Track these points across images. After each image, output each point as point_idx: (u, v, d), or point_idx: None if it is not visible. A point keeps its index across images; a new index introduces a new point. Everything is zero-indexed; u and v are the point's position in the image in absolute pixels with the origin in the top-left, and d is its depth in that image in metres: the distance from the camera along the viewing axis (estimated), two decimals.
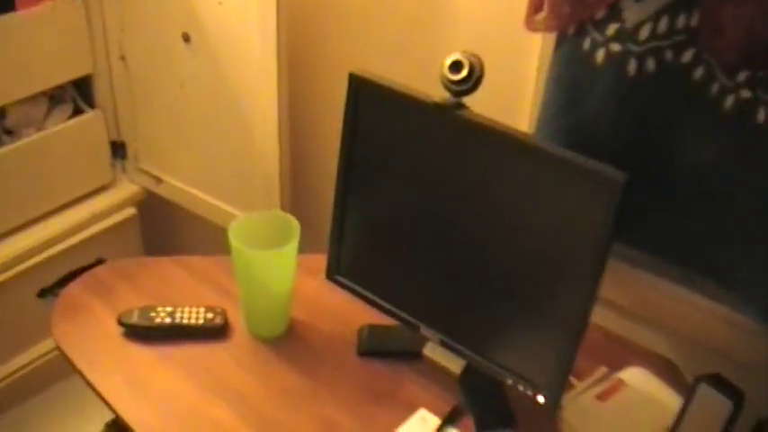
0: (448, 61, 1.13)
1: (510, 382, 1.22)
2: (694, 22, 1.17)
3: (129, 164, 2.16)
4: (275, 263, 1.32)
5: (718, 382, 1.10)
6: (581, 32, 1.23)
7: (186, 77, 1.84)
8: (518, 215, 1.13)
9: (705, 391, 1.11)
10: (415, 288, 1.30)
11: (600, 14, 1.20)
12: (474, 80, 1.12)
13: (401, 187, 1.24)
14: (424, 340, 1.32)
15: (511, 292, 1.17)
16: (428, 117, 1.17)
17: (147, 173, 2.13)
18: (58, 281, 2.09)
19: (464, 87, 1.13)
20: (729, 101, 1.19)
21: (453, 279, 1.23)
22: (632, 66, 1.21)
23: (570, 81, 1.27)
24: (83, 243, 2.10)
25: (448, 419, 1.25)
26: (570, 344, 1.12)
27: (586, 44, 1.23)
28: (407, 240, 1.27)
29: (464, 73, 1.12)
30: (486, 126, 1.12)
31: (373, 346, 1.37)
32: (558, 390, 1.16)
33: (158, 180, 2.10)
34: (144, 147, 2.10)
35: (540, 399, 1.19)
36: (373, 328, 1.39)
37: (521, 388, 1.21)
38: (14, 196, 1.95)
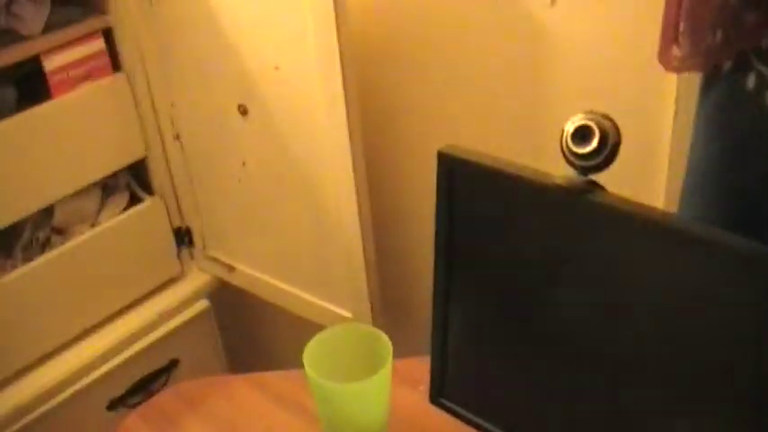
0: (570, 128, 0.84)
1: None
2: None
3: (196, 251, 1.92)
4: (363, 395, 1.04)
5: None
6: (741, 67, 0.92)
7: (247, 154, 1.60)
8: (678, 322, 0.82)
9: None
10: (542, 412, 0.99)
11: (766, 41, 0.89)
12: (608, 152, 0.83)
13: (516, 286, 0.95)
14: None
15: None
16: (548, 201, 0.88)
17: (217, 260, 1.89)
18: (129, 389, 1.87)
19: (595, 162, 0.84)
20: None
21: (594, 402, 0.92)
22: None
23: (729, 133, 0.95)
24: (154, 344, 1.88)
25: None
26: None
27: (750, 82, 0.92)
28: (529, 352, 0.98)
29: (594, 144, 0.82)
30: (632, 213, 0.82)
31: None
32: None
33: (230, 268, 1.86)
34: (211, 232, 1.87)
35: None
36: None
37: None
38: (73, 300, 1.74)
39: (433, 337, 1.08)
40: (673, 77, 1.08)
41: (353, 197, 1.41)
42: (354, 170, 1.38)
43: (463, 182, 0.94)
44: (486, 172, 0.92)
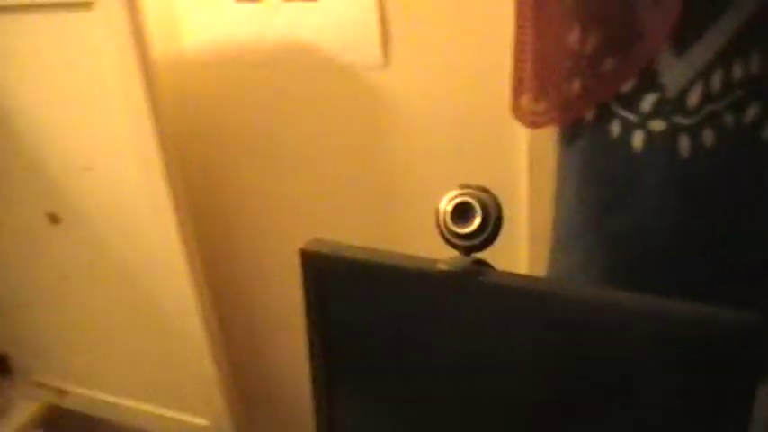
0: (448, 207, 0.76)
1: None
2: (755, 68, 0.84)
3: (18, 379, 1.70)
4: None
5: None
6: (604, 115, 0.87)
7: (66, 266, 1.42)
8: (610, 396, 0.76)
9: None
10: None
11: (628, 86, 0.85)
12: (492, 228, 0.75)
13: (402, 377, 0.86)
14: None
15: None
16: (434, 289, 0.79)
17: (45, 385, 1.67)
18: None
19: (479, 240, 0.76)
20: None
21: None
22: (684, 144, 0.86)
23: (601, 182, 0.91)
24: None
25: None
26: None
27: (615, 129, 0.88)
28: None
29: (477, 221, 0.75)
30: (530, 291, 0.75)
31: None
32: None
33: (62, 392, 1.65)
34: (35, 356, 1.65)
35: None
36: None
37: None
38: None
39: None
40: (522, 132, 1.03)
41: (194, 297, 1.28)
42: (190, 269, 1.24)
43: (332, 279, 0.84)
44: (356, 266, 0.82)
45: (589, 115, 0.88)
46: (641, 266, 0.83)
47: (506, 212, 0.94)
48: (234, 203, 1.32)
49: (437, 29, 1.04)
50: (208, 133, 1.25)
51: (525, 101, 0.92)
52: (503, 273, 0.77)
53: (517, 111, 0.93)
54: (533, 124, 0.91)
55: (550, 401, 0.78)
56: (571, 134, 0.91)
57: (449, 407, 0.84)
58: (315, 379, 0.92)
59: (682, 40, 0.82)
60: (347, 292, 0.84)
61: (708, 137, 0.87)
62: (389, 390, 0.89)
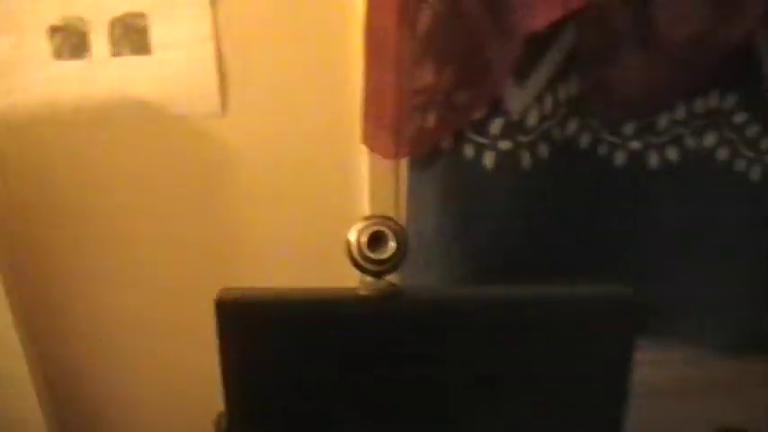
0: (363, 237, 0.84)
1: None
2: (573, 90, 1.01)
3: None
4: None
5: None
6: (458, 140, 1.00)
7: None
8: (522, 378, 0.88)
9: None
10: None
11: (479, 114, 0.98)
12: (403, 252, 0.84)
13: (334, 410, 0.91)
14: None
15: None
16: (357, 314, 0.87)
17: None
18: None
19: (390, 266, 0.85)
20: (620, 157, 1.07)
21: None
22: (526, 158, 1.02)
23: (459, 197, 1.04)
24: None
25: None
26: None
27: (469, 152, 1.01)
28: None
29: (393, 247, 0.83)
30: (446, 298, 0.85)
31: None
32: None
33: None
34: None
35: None
36: None
37: None
38: None
39: None
40: (363, 168, 1.11)
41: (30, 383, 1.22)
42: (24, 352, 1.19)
43: (251, 325, 0.88)
44: (279, 306, 0.87)
45: (445, 142, 1.00)
46: (502, 265, 0.96)
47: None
48: (63, 280, 1.24)
49: (275, 75, 1.10)
50: (32, 205, 1.17)
51: (383, 135, 1.02)
52: (418, 288, 0.87)
53: (375, 145, 1.03)
54: (395, 154, 1.01)
55: (475, 395, 0.88)
56: (427, 161, 1.02)
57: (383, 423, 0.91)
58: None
59: (520, 72, 0.96)
60: (268, 335, 0.88)
61: (543, 150, 1.03)
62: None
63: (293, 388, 0.90)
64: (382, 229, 0.84)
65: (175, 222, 1.17)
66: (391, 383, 0.88)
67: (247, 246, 1.17)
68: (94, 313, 1.23)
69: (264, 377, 0.90)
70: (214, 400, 0.90)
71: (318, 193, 1.14)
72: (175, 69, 1.09)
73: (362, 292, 0.86)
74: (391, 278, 0.85)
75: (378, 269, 0.85)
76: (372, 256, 0.84)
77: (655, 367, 1.32)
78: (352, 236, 0.85)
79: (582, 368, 0.89)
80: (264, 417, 0.92)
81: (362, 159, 1.09)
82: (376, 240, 0.84)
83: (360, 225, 0.85)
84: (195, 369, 1.05)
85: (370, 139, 1.03)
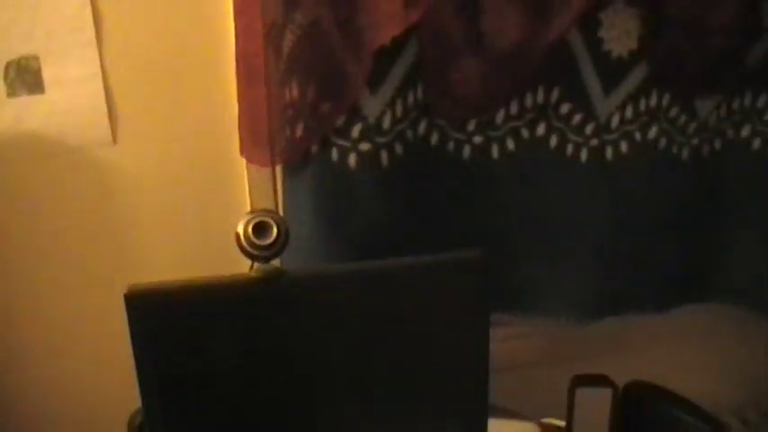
0: (249, 227, 0.98)
1: None
2: (420, 95, 1.19)
3: None
4: None
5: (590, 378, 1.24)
6: (325, 146, 1.16)
7: None
8: (393, 345, 1.03)
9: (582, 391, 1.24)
10: None
11: (340, 121, 1.14)
12: (284, 237, 0.99)
13: (242, 389, 1.04)
14: None
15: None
16: (249, 294, 1.00)
17: None
18: None
19: (275, 250, 0.99)
20: (467, 151, 1.25)
21: None
22: (384, 157, 1.18)
23: (330, 197, 1.18)
24: None
25: None
26: None
27: (335, 155, 1.16)
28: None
29: (275, 233, 0.98)
30: (326, 275, 1.00)
31: None
32: None
33: None
34: None
35: None
36: None
37: None
38: None
39: None
40: (244, 178, 1.25)
41: None
42: None
43: (158, 314, 0.98)
44: (181, 293, 0.99)
45: (314, 149, 1.15)
46: (372, 255, 1.09)
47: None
48: None
49: (158, 104, 1.23)
50: None
51: (258, 148, 1.17)
52: (298, 269, 1.01)
53: (253, 157, 1.17)
54: (270, 163, 1.16)
55: (350, 358, 1.03)
56: (300, 166, 1.17)
57: (286, 400, 1.04)
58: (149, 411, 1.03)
59: (373, 82, 1.13)
60: (174, 322, 1.00)
61: (399, 149, 1.19)
62: (226, 404, 1.05)
63: (200, 370, 1.02)
64: (265, 218, 0.99)
65: (73, 239, 1.27)
66: (281, 353, 1.02)
67: (143, 257, 1.29)
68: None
69: (174, 362, 1.01)
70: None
71: (203, 204, 1.27)
72: (68, 105, 1.21)
73: (252, 274, 1.00)
74: None
75: (264, 254, 0.99)
76: (258, 242, 0.98)
77: (519, 339, 1.51)
78: (240, 228, 0.99)
79: (444, 329, 1.05)
80: (178, 402, 1.03)
81: (242, 171, 1.24)
82: (260, 228, 0.98)
83: (246, 218, 0.99)
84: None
85: (247, 152, 1.17)
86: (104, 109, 1.22)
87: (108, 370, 1.27)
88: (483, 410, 1.09)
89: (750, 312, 1.52)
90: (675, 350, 1.66)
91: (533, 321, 1.46)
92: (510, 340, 1.53)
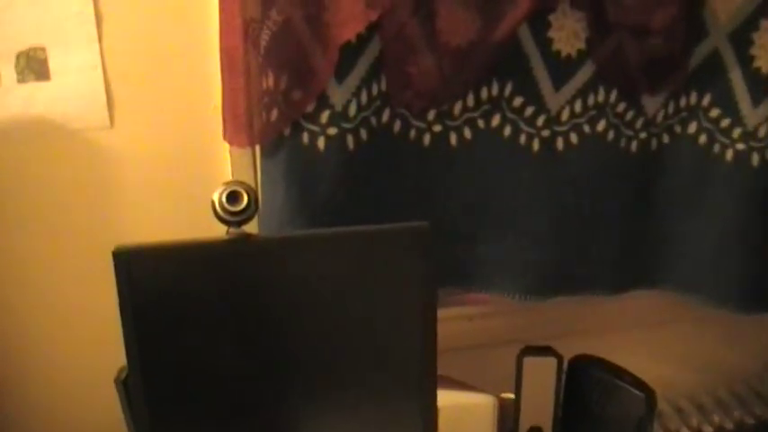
0: (223, 195, 1.11)
1: None
2: (384, 86, 1.32)
3: None
4: None
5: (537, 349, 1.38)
6: (296, 130, 1.29)
7: None
8: (348, 307, 1.16)
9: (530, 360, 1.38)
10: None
11: (310, 108, 1.27)
12: (254, 204, 1.12)
13: (215, 341, 1.17)
14: None
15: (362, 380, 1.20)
16: (219, 257, 1.14)
17: None
18: None
19: (246, 216, 1.13)
20: (427, 138, 1.38)
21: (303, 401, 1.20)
22: (350, 141, 1.31)
23: (300, 176, 1.31)
24: None
25: None
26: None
27: (305, 138, 1.29)
28: (237, 390, 1.19)
29: (245, 201, 1.11)
30: (287, 239, 1.14)
31: None
32: None
33: None
34: None
35: None
36: None
37: None
38: None
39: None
40: (227, 159, 1.40)
41: None
42: None
43: (144, 271, 1.11)
44: (163, 252, 1.13)
45: (286, 132, 1.29)
46: (335, 226, 1.22)
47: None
48: None
49: (151, 91, 1.37)
50: None
51: (239, 131, 1.31)
52: (265, 234, 1.15)
53: (234, 139, 1.31)
54: (249, 144, 1.30)
55: (310, 318, 1.16)
56: (274, 147, 1.31)
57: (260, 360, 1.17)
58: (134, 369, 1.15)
59: (340, 74, 1.27)
60: (156, 277, 1.13)
61: (364, 134, 1.33)
62: (198, 351, 1.18)
63: (178, 322, 1.15)
64: (237, 188, 1.12)
65: (73, 212, 1.42)
66: (250, 305, 1.16)
67: (136, 226, 1.43)
68: None
69: (156, 314, 1.14)
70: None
71: (190, 181, 1.41)
72: (71, 92, 1.35)
73: (226, 238, 1.13)
74: None
75: (236, 219, 1.12)
76: (231, 208, 1.12)
77: (484, 319, 1.63)
78: (215, 196, 1.13)
79: (396, 290, 1.17)
80: (158, 353, 1.17)
81: (225, 152, 1.39)
82: (233, 197, 1.12)
83: (221, 188, 1.13)
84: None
85: (229, 135, 1.31)
86: (103, 96, 1.36)
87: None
88: (432, 373, 1.21)
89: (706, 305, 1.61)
90: (634, 335, 1.78)
91: (497, 303, 1.58)
92: (476, 320, 1.66)
